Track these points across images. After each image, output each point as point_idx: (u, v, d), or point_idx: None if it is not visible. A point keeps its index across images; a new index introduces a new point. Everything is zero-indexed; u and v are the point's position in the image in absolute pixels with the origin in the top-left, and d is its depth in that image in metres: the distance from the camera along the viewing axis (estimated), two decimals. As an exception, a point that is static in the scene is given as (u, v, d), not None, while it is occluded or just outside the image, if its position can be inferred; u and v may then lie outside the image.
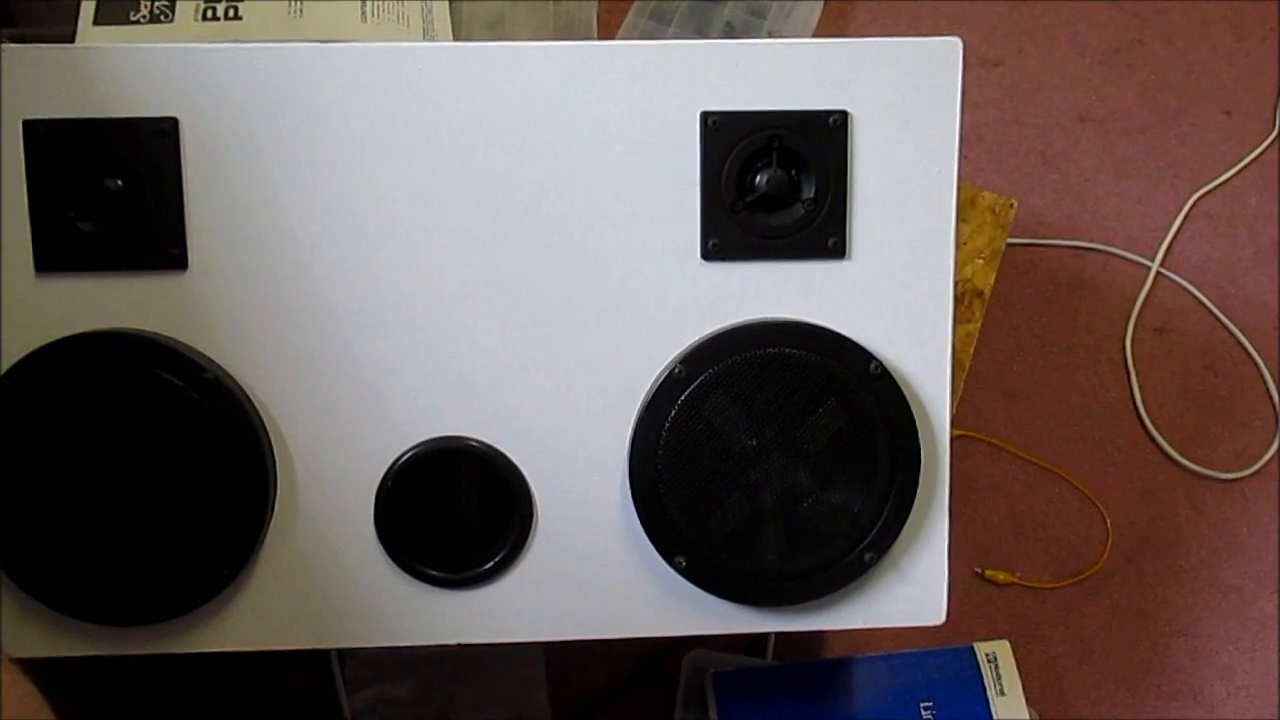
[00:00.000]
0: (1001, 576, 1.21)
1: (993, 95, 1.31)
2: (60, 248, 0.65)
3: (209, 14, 0.88)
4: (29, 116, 0.64)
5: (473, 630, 0.69)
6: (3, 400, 0.63)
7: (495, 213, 0.67)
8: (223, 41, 0.86)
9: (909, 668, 0.99)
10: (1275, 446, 1.26)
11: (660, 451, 0.66)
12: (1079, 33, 1.32)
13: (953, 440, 0.70)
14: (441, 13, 0.96)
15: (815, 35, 1.24)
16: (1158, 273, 1.29)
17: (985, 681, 0.96)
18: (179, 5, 0.89)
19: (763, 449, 0.66)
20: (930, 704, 0.96)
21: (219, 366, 0.66)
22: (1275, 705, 1.22)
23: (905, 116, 0.67)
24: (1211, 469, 1.25)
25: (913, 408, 0.67)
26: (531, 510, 0.69)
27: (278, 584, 0.68)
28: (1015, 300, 1.27)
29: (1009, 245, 1.06)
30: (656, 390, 0.67)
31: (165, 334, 0.65)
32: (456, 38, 0.97)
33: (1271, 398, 1.27)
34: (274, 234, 0.66)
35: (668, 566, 0.67)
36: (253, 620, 0.68)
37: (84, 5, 0.89)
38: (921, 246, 0.68)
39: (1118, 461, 1.25)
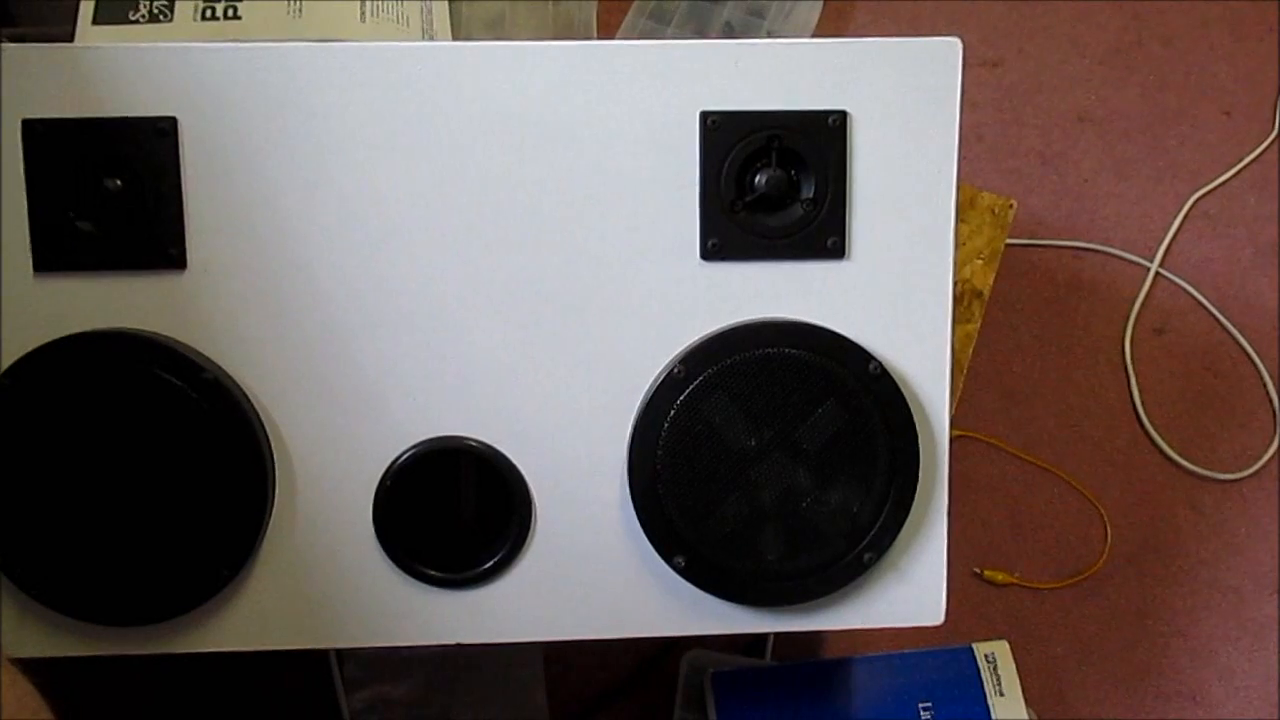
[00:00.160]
0: (1000, 577, 1.21)
1: (992, 95, 1.31)
2: (59, 247, 0.65)
3: (208, 14, 0.88)
4: (28, 116, 0.64)
5: (471, 630, 0.69)
6: (2, 400, 0.63)
7: (494, 212, 0.66)
8: (222, 41, 0.85)
9: (908, 668, 0.99)
10: (1274, 447, 1.26)
11: (659, 452, 0.66)
12: (1079, 33, 1.32)
13: (952, 440, 0.70)
14: (441, 13, 0.96)
15: (815, 35, 1.24)
16: (1157, 273, 1.29)
17: (984, 682, 0.96)
18: (178, 5, 0.89)
19: (762, 449, 0.66)
20: (929, 704, 0.95)
21: (218, 366, 0.66)
22: (1275, 705, 1.22)
23: (905, 116, 0.67)
24: (1210, 469, 1.25)
25: (912, 408, 0.67)
26: (530, 510, 0.68)
27: (276, 584, 0.68)
28: (1014, 301, 1.27)
29: (1008, 246, 1.06)
30: (656, 390, 0.67)
31: (164, 334, 0.65)
32: (456, 38, 0.97)
33: (1270, 398, 1.27)
34: (273, 234, 0.66)
35: (667, 566, 0.67)
36: (251, 620, 0.68)
37: (83, 5, 0.89)
38: (921, 246, 0.68)
39: (1116, 462, 1.25)
